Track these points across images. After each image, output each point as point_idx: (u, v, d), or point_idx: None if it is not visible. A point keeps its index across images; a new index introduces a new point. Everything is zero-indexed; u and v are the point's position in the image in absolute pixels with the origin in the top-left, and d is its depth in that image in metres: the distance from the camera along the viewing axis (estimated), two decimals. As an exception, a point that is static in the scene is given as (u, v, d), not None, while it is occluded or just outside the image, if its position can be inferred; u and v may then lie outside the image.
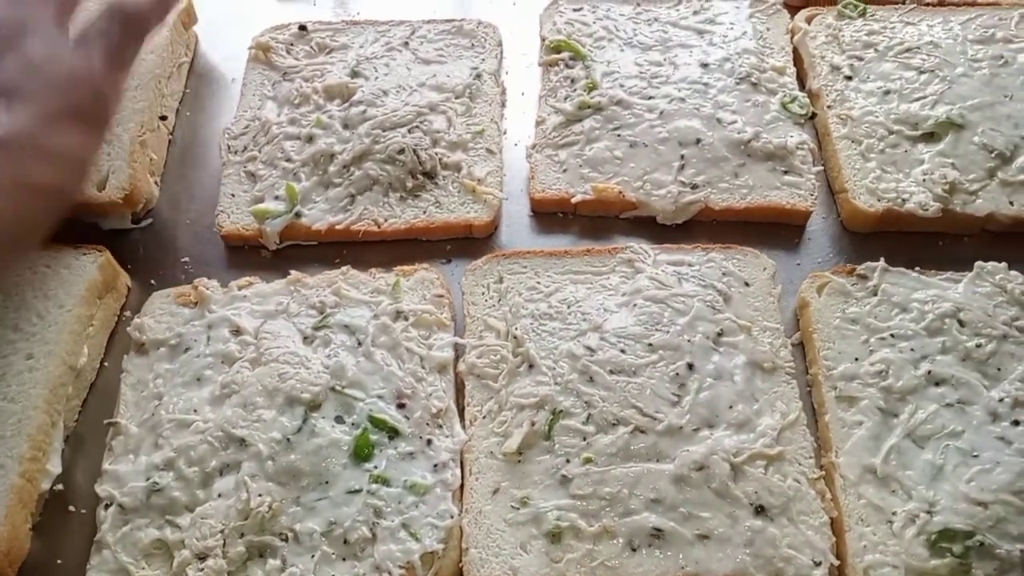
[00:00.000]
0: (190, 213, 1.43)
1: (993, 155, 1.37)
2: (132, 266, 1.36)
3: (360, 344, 1.19)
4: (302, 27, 1.56)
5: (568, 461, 1.11)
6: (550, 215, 1.42)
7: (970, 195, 1.35)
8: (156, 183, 1.44)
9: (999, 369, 1.17)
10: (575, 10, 1.59)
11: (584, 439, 1.12)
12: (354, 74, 1.48)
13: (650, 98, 1.45)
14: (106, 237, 1.35)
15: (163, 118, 1.48)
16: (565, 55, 1.53)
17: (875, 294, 1.25)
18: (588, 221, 1.41)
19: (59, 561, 1.11)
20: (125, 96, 1.41)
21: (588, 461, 1.10)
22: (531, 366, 1.18)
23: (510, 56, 1.60)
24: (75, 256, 1.28)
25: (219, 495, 1.07)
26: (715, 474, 1.09)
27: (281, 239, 1.35)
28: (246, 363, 1.17)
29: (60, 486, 1.15)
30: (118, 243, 1.37)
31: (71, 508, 1.14)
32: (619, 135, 1.41)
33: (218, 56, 1.64)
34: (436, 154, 1.39)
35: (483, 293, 1.28)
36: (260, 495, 1.06)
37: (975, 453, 1.11)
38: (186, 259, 1.38)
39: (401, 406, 1.15)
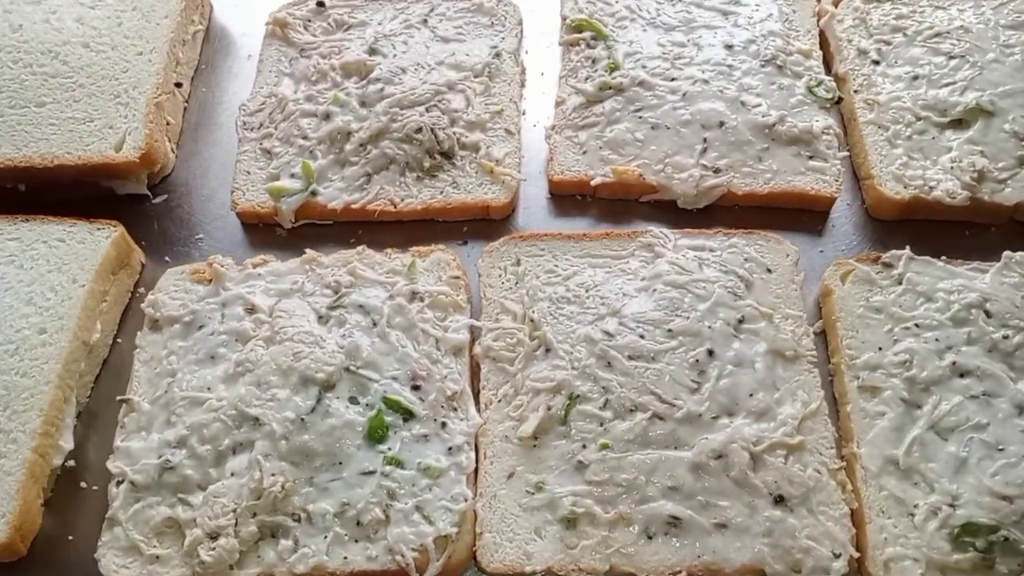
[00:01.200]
0: (205, 190, 1.41)
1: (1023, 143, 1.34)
2: (146, 242, 1.36)
3: (375, 325, 1.18)
4: (320, 3, 1.54)
5: (584, 447, 1.09)
6: (569, 197, 1.40)
7: (999, 184, 1.32)
8: (172, 150, 1.43)
9: (1026, 361, 1.15)
10: (597, -11, 1.56)
11: (601, 425, 1.10)
12: (372, 51, 1.46)
13: (673, 79, 1.42)
14: (121, 212, 1.34)
15: (178, 85, 1.47)
16: (586, 35, 1.50)
17: (900, 283, 1.23)
18: (607, 204, 1.39)
19: (71, 537, 1.11)
20: (140, 59, 1.41)
21: (605, 447, 1.09)
22: (548, 350, 1.16)
23: (530, 35, 1.57)
24: (89, 231, 1.27)
25: (232, 474, 1.07)
26: (734, 463, 1.07)
27: (296, 217, 1.33)
28: (260, 341, 1.16)
29: (72, 462, 1.15)
30: (133, 219, 1.36)
31: (83, 484, 1.14)
32: (640, 117, 1.39)
33: (234, 31, 1.62)
34: (454, 134, 1.37)
35: (500, 275, 1.26)
36: (273, 475, 1.05)
37: (1000, 446, 1.09)
38: (200, 236, 1.37)
39: (416, 388, 1.13)
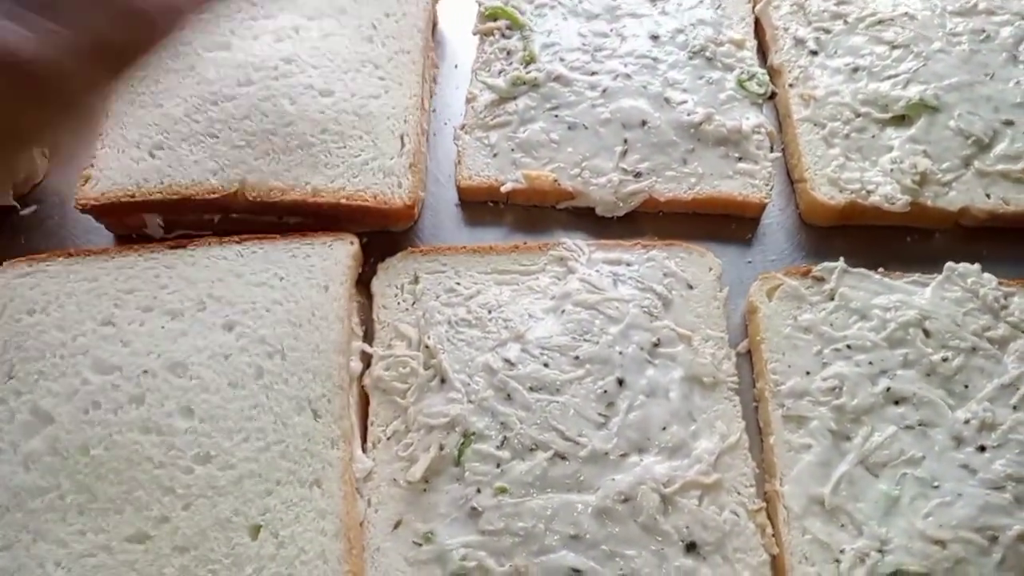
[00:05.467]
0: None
1: (970, 141, 1.23)
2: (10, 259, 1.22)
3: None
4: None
5: (479, 491, 0.98)
6: (480, 204, 1.28)
7: (943, 186, 1.21)
8: (44, 154, 1.30)
9: (966, 386, 1.05)
10: (516, -29, 1.43)
11: (498, 466, 0.99)
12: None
13: (593, 74, 1.30)
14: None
15: None
16: (502, 23, 1.37)
17: (832, 299, 1.12)
18: (523, 212, 1.27)
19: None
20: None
21: (501, 491, 0.98)
22: (443, 381, 1.05)
23: (444, 23, 1.44)
24: (-65, 251, 1.13)
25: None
26: (643, 506, 0.96)
27: (169, 227, 1.20)
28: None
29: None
30: (-7, 233, 1.23)
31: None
32: (556, 116, 1.27)
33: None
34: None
35: (396, 295, 1.14)
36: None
37: (935, 483, 0.99)
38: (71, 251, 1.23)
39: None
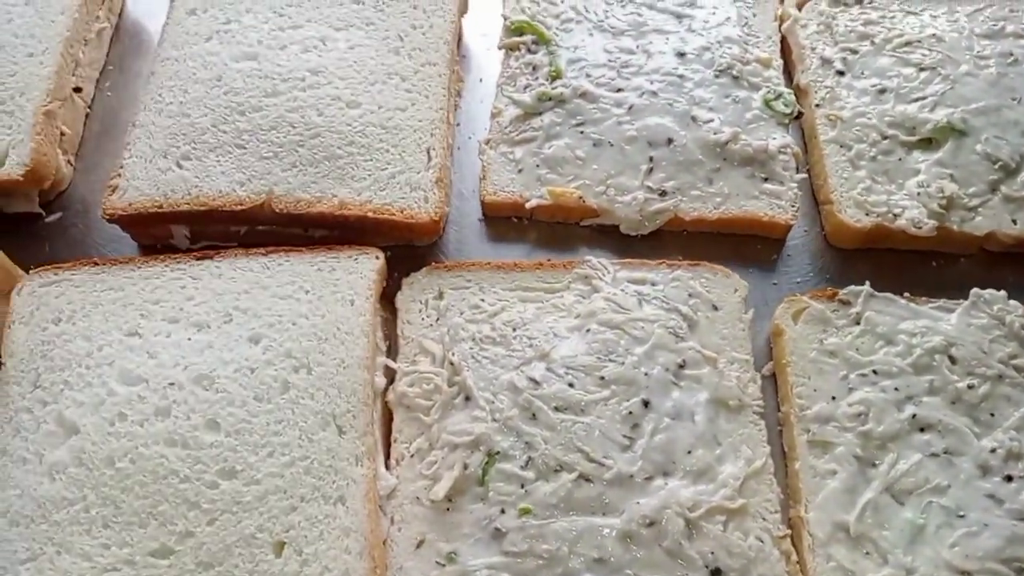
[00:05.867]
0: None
1: (997, 166, 1.23)
2: (36, 267, 1.22)
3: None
4: None
5: (503, 512, 0.98)
6: (504, 220, 1.28)
7: (969, 211, 1.21)
8: (69, 162, 1.30)
9: (992, 415, 1.05)
10: (542, -14, 1.43)
11: (522, 486, 0.99)
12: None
13: (619, 90, 1.30)
14: (7, 233, 1.22)
15: (77, 90, 1.33)
16: (528, 38, 1.37)
17: (858, 323, 1.12)
18: (547, 228, 1.27)
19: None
20: (30, 61, 1.27)
21: (525, 512, 0.98)
22: (467, 398, 1.05)
23: (469, 37, 1.44)
24: (-39, 256, 1.13)
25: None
26: (668, 531, 0.96)
27: (195, 237, 1.20)
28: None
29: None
30: (21, 240, 1.23)
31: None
32: (582, 132, 1.27)
33: (149, 28, 1.48)
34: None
35: (420, 310, 1.14)
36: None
37: (961, 512, 0.98)
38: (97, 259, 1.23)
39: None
